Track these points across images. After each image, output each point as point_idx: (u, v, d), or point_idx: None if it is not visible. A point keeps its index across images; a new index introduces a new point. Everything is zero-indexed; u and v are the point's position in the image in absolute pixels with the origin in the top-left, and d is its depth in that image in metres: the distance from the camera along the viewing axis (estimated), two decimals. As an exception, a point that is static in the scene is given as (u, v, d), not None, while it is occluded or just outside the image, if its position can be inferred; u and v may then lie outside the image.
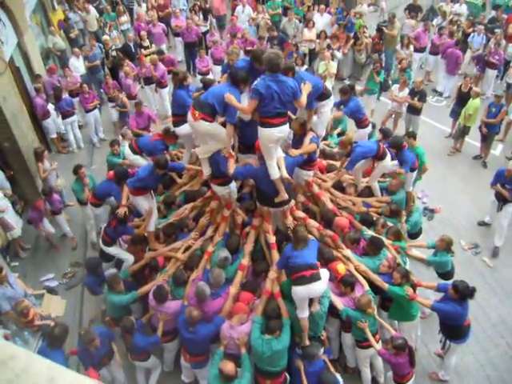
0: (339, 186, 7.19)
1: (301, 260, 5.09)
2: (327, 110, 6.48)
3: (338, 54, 12.72)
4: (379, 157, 6.89)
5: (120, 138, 9.24)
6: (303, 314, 5.27)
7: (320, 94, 6.29)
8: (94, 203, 7.69)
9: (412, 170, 7.54)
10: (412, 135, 8.20)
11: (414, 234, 7.38)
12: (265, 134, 5.27)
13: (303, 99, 5.39)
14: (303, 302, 5.23)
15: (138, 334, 5.63)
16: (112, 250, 6.64)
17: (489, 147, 10.56)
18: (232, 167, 5.75)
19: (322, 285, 5.16)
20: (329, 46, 12.79)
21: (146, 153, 7.33)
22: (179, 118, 6.80)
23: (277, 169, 5.50)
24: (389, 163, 7.11)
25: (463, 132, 10.69)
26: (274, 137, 5.26)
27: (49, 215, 8.53)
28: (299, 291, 5.08)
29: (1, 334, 6.03)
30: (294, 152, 5.86)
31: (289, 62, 6.11)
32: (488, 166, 10.47)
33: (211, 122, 5.59)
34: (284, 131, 5.35)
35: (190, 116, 5.67)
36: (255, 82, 5.19)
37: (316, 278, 5.07)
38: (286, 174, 5.53)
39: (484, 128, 10.15)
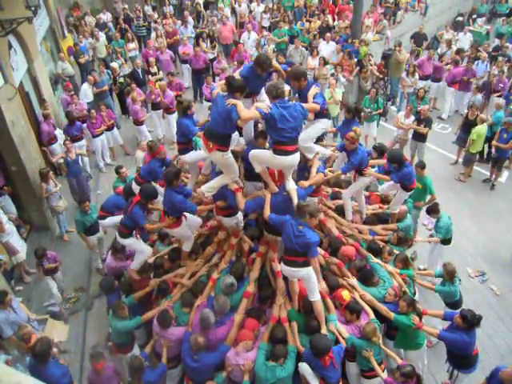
0: (344, 213, 7.15)
1: (293, 242, 5.14)
2: (318, 125, 6.23)
3: (342, 79, 12.82)
4: (362, 170, 6.79)
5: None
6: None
7: (321, 113, 6.08)
8: (101, 216, 7.80)
9: (407, 190, 7.11)
10: (421, 166, 8.09)
11: (446, 240, 7.49)
12: (278, 161, 5.34)
13: (313, 105, 5.58)
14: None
15: (146, 368, 5.52)
16: (128, 242, 6.44)
17: (499, 171, 10.69)
18: (242, 202, 5.80)
19: (306, 270, 5.30)
20: (332, 75, 12.91)
21: (150, 178, 7.35)
22: (184, 145, 6.83)
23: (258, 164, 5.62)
24: (368, 181, 7.11)
25: (469, 159, 10.75)
26: (286, 164, 5.38)
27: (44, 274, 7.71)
28: (284, 269, 5.40)
29: (2, 359, 5.98)
30: (305, 184, 5.87)
31: (300, 67, 6.09)
32: (495, 192, 10.55)
33: (226, 152, 5.57)
34: (296, 159, 5.40)
35: (204, 146, 5.65)
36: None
37: (303, 264, 5.26)
38: None
39: (494, 150, 10.28)
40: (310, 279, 5.38)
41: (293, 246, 5.16)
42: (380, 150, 7.75)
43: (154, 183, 7.28)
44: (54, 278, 7.77)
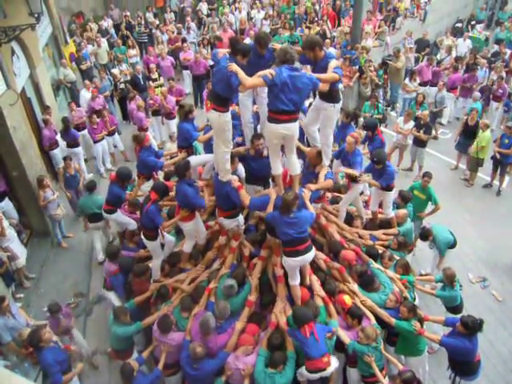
0: (346, 219, 7.14)
1: (293, 231, 5.13)
2: (328, 117, 6.02)
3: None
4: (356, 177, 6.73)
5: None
6: (295, 281, 5.54)
7: (329, 93, 5.73)
8: (106, 210, 7.75)
9: (390, 190, 7.12)
10: (430, 176, 8.12)
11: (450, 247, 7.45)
12: (270, 129, 5.20)
13: (333, 74, 5.28)
14: (294, 271, 5.48)
15: (138, 374, 5.47)
16: (156, 243, 6.44)
17: (503, 175, 10.69)
18: (247, 198, 5.75)
19: (313, 253, 5.44)
20: None
21: (145, 170, 7.40)
22: (185, 150, 6.83)
23: (280, 165, 5.56)
24: (361, 187, 7.12)
25: (477, 164, 10.72)
26: (278, 133, 5.16)
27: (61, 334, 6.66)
28: (292, 262, 5.33)
29: (1, 365, 5.95)
30: (311, 187, 5.83)
31: (315, 36, 5.97)
32: (495, 198, 10.62)
33: (222, 113, 5.41)
34: (290, 129, 5.16)
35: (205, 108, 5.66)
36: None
37: (309, 249, 5.31)
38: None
39: (498, 155, 10.24)
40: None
41: (289, 237, 5.18)
42: (372, 126, 7.69)
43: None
44: (70, 338, 6.78)
